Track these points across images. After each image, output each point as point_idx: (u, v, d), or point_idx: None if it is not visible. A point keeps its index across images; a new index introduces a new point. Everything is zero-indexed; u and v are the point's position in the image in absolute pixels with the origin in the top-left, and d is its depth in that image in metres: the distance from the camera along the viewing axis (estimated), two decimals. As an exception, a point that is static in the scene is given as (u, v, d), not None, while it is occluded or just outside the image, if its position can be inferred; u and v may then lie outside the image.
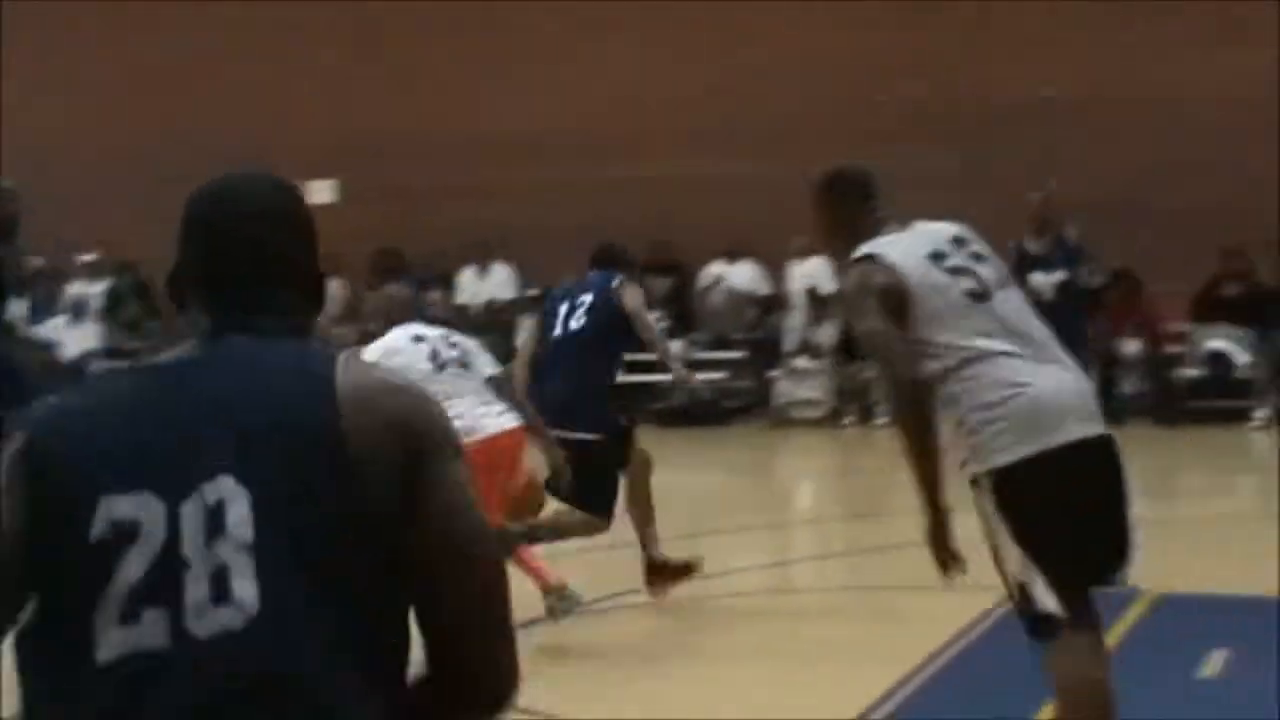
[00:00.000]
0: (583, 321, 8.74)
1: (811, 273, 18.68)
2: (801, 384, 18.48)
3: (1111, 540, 4.98)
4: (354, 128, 20.46)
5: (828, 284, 18.61)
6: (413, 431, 2.30)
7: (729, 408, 18.94)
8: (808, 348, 18.48)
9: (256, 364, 2.33)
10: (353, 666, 2.21)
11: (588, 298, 8.83)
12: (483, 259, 19.96)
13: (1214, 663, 7.13)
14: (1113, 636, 7.46)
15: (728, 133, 19.39)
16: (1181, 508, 12.65)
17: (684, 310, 19.51)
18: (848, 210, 5.29)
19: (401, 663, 2.30)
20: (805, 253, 18.76)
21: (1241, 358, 17.12)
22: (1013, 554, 4.89)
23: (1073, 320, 13.87)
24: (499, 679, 2.33)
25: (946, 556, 5.15)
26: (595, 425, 8.62)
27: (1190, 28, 18.17)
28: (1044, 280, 13.74)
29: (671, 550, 9.12)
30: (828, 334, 18.39)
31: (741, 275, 19.37)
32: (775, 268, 19.22)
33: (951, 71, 18.79)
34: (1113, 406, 17.10)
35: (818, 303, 18.53)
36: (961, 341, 4.94)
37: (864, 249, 5.07)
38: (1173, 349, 17.59)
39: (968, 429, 4.95)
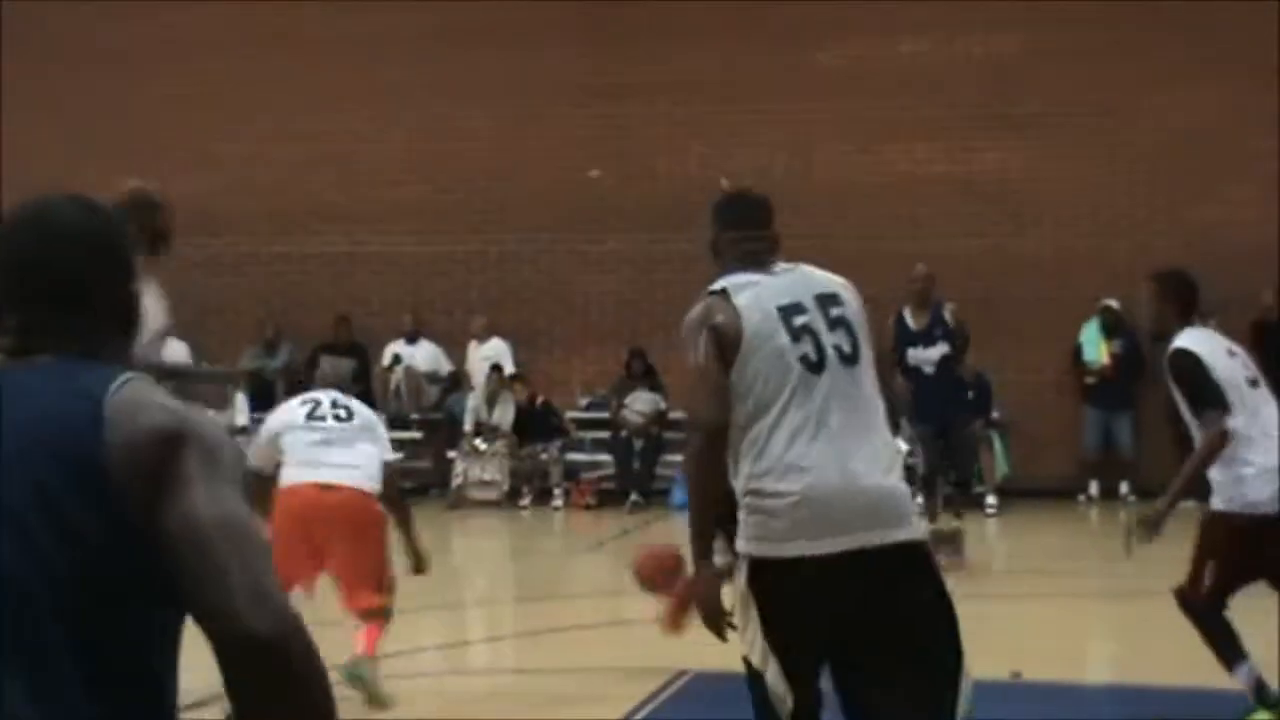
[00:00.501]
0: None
1: (493, 353, 18.76)
2: (479, 465, 18.49)
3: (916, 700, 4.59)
4: None
5: (508, 364, 18.71)
6: (171, 439, 2.31)
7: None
8: (484, 429, 18.50)
9: (22, 390, 2.34)
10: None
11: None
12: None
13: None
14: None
15: (415, 210, 19.38)
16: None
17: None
18: (717, 235, 5.02)
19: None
20: (486, 333, 18.85)
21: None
22: (756, 642, 4.70)
23: (955, 394, 14.20)
24: (260, 618, 2.27)
25: (715, 617, 4.85)
26: None
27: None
28: (923, 355, 13.88)
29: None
30: (506, 414, 18.45)
31: (422, 354, 19.34)
32: (456, 347, 19.24)
33: (627, 161, 19.11)
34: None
35: (500, 381, 18.57)
36: (766, 403, 4.70)
37: (721, 283, 4.85)
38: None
39: (742, 497, 4.75)
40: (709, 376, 4.76)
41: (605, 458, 18.47)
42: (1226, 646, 7.25)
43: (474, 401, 18.72)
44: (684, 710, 8.38)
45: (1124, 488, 17.42)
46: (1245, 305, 16.61)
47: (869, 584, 4.60)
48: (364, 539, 8.37)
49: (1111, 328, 17.63)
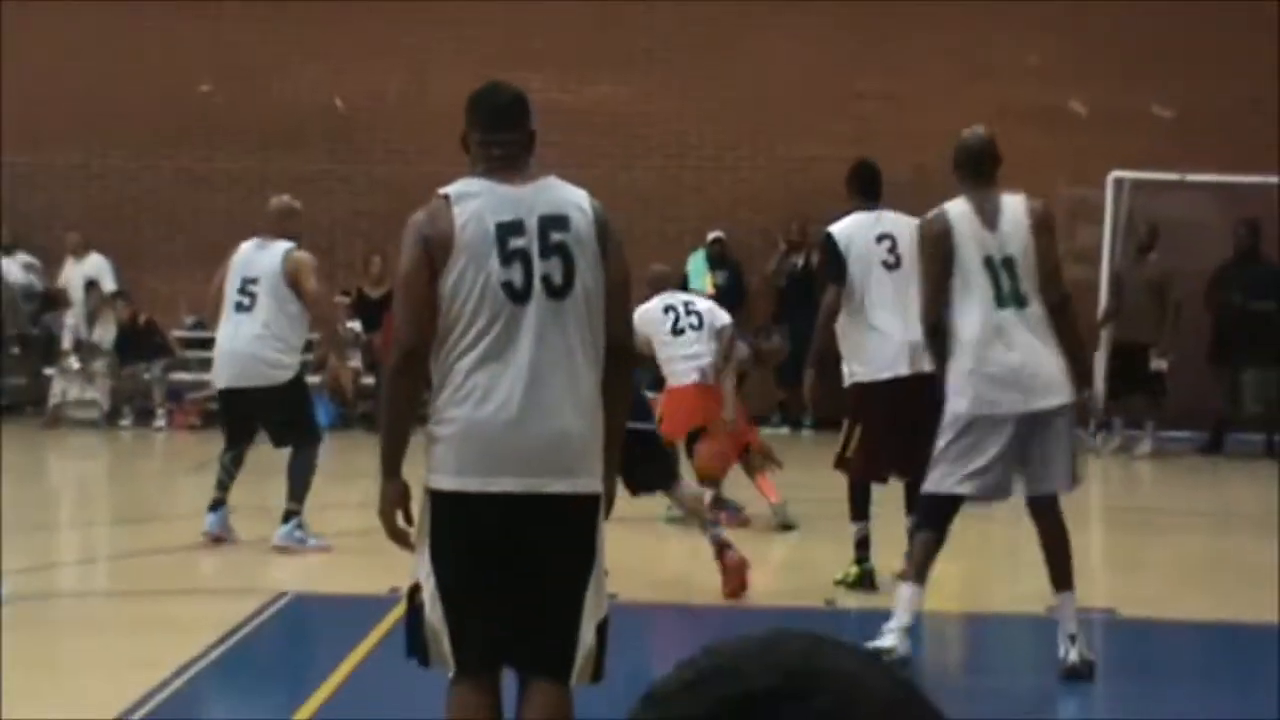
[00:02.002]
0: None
1: (93, 269, 18.23)
2: (78, 384, 17.98)
3: (530, 629, 4.57)
4: None
5: (109, 281, 18.20)
6: None
7: (0, 405, 18.21)
8: (84, 346, 17.98)
9: None
10: None
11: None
12: None
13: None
14: (374, 636, 7.72)
15: (13, 121, 18.61)
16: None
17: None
18: (465, 133, 4.79)
19: None
20: (83, 248, 18.30)
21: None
22: (424, 571, 4.61)
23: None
24: None
25: (396, 535, 4.71)
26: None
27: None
28: None
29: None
30: (107, 333, 17.97)
31: (16, 268, 18.64)
32: (52, 263, 18.62)
33: (240, 77, 18.76)
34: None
35: (100, 298, 18.05)
36: (462, 326, 4.53)
37: (447, 188, 4.66)
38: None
39: (431, 424, 4.65)
40: (411, 291, 4.58)
41: (209, 378, 18.13)
42: None
43: (72, 319, 18.16)
44: (283, 631, 8.40)
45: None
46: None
47: (523, 527, 4.53)
48: None
49: (716, 259, 18.14)
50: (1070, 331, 7.31)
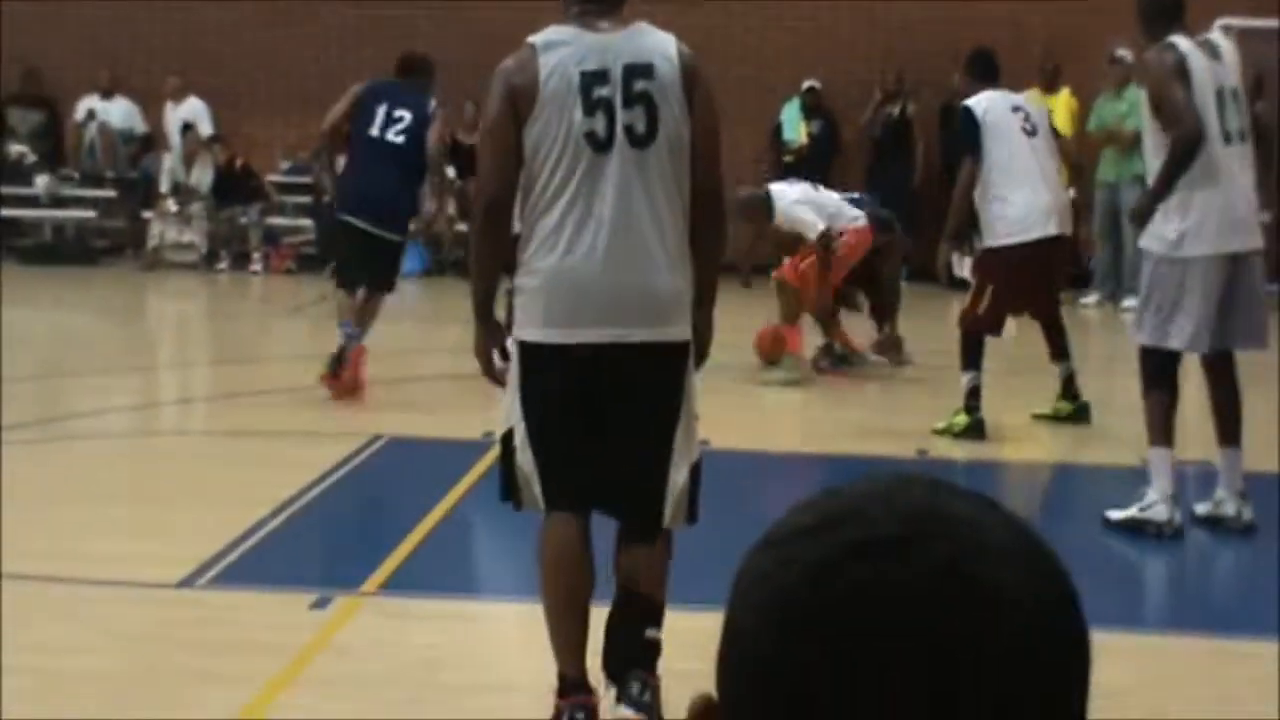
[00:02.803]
0: (402, 139, 9.92)
1: (190, 113, 18.31)
2: (176, 227, 18.14)
3: (620, 473, 4.63)
4: None
5: (206, 125, 18.29)
6: None
7: (98, 248, 18.43)
8: (181, 190, 18.12)
9: None
10: None
11: (406, 115, 9.94)
12: None
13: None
14: (468, 480, 7.83)
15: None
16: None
17: (55, 146, 18.78)
18: None
19: None
20: (181, 93, 18.37)
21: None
22: (515, 417, 4.67)
23: None
24: None
25: (491, 370, 4.81)
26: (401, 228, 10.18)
27: None
28: None
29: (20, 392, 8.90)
30: (204, 176, 18.09)
31: (117, 112, 18.76)
32: (151, 106, 18.71)
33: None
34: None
35: (196, 142, 18.15)
36: (546, 177, 4.55)
37: (535, 36, 4.66)
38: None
39: (519, 275, 4.69)
40: (496, 141, 4.61)
41: (307, 223, 18.28)
42: None
43: (170, 162, 18.29)
44: (379, 472, 8.52)
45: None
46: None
47: (612, 376, 4.57)
48: None
49: (811, 109, 17.97)
50: (1267, 178, 7.26)
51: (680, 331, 4.65)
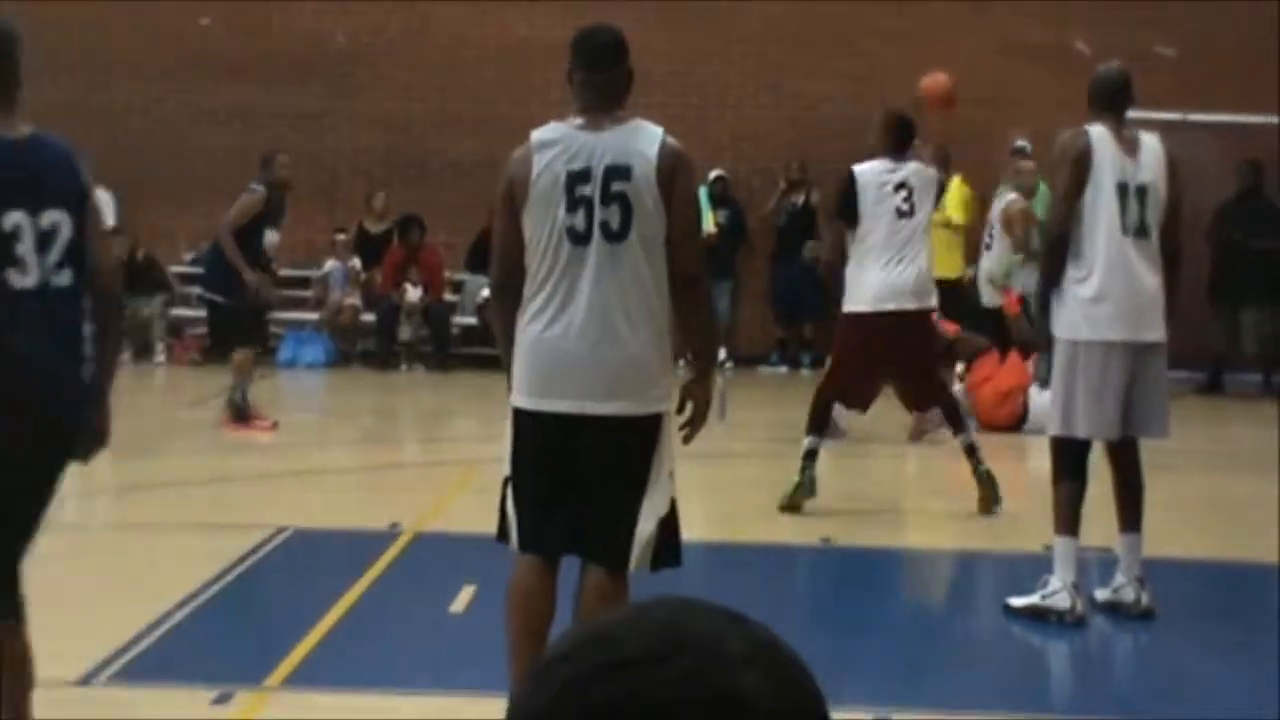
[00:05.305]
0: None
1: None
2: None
3: (587, 526, 5.10)
4: None
5: (109, 217, 18.16)
6: None
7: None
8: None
9: None
10: None
11: None
12: None
13: (463, 598, 7.50)
14: (374, 571, 7.80)
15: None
16: (449, 451, 13.18)
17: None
18: (569, 71, 5.28)
19: None
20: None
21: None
22: (507, 470, 5.21)
23: None
24: None
25: None
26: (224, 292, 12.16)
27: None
28: None
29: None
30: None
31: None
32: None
33: (241, 11, 18.68)
34: (393, 352, 17.57)
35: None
36: (535, 266, 5.09)
37: (537, 132, 5.20)
38: (450, 298, 18.22)
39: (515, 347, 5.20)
40: (498, 228, 5.24)
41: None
42: None
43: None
44: (284, 564, 8.45)
45: (721, 354, 18.00)
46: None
47: (576, 443, 5.05)
48: None
49: (719, 198, 18.11)
50: (1176, 281, 7.33)
51: (647, 405, 5.09)
